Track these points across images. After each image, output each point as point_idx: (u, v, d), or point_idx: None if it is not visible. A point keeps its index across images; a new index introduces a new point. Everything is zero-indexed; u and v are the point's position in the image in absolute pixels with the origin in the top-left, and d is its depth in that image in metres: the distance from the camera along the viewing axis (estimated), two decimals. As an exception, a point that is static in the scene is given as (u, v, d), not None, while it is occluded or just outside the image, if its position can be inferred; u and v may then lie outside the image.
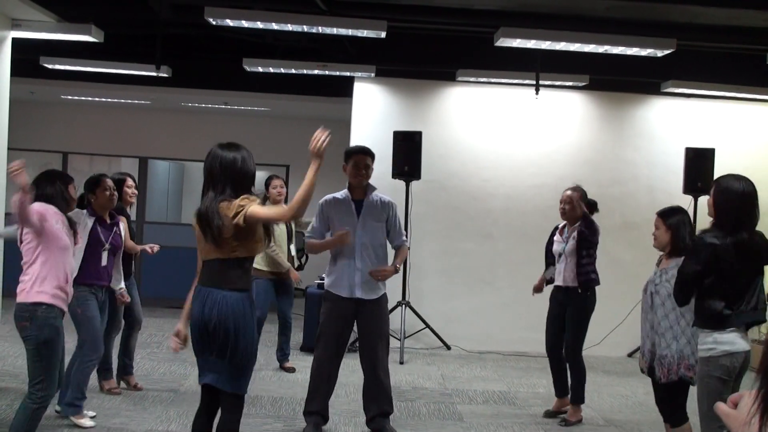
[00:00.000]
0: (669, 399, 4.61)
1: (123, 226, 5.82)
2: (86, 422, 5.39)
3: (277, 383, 6.98)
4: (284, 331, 7.45)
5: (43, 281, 4.40)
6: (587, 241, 6.03)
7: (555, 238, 6.34)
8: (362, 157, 5.41)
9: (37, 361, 4.36)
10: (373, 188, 5.48)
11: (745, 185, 4.02)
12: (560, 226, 6.35)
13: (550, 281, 6.35)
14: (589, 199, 6.20)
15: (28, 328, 4.34)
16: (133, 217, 6.88)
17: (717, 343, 3.91)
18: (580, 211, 6.08)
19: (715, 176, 8.32)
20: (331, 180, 5.77)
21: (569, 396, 6.21)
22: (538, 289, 6.45)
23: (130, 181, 6.32)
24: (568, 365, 6.17)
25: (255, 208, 3.69)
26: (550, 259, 6.37)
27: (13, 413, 5.60)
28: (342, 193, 5.47)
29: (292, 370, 7.41)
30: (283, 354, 7.51)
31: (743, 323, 3.99)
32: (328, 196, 5.50)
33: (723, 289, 3.94)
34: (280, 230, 7.11)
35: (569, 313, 6.12)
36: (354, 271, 5.35)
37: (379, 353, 5.39)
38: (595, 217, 6.23)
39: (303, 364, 7.29)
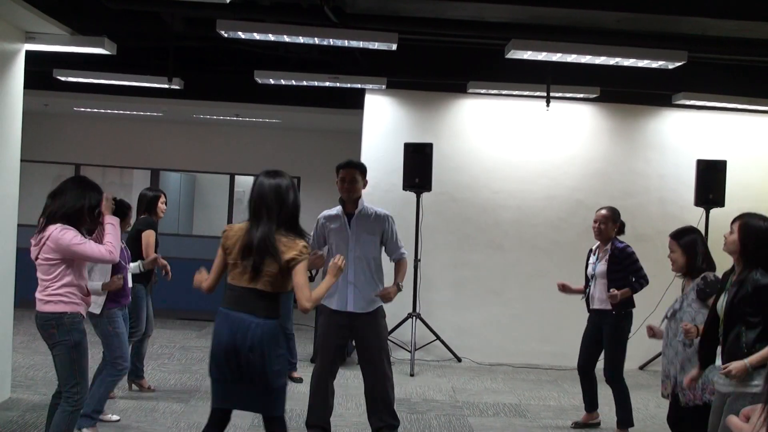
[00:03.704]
0: (695, 421, 4.59)
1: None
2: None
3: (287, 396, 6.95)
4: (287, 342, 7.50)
5: (68, 293, 4.48)
6: (617, 264, 6.05)
7: (590, 260, 6.32)
8: (349, 171, 5.41)
9: (70, 365, 4.47)
10: (362, 204, 5.46)
11: None
12: (594, 247, 6.34)
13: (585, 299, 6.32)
14: (621, 220, 6.24)
15: (56, 335, 4.44)
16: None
17: None
18: (610, 233, 6.12)
19: (727, 188, 8.41)
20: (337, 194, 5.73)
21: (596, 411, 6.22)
22: (562, 287, 6.35)
23: (163, 198, 6.81)
24: (611, 390, 6.14)
25: (304, 266, 3.84)
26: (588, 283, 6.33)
27: (24, 423, 5.65)
28: (336, 209, 5.50)
29: (299, 380, 7.41)
30: (290, 364, 7.51)
31: None
32: (324, 212, 5.55)
33: None
34: None
35: (605, 335, 6.12)
36: (346, 284, 5.33)
37: (379, 366, 5.35)
38: None
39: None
